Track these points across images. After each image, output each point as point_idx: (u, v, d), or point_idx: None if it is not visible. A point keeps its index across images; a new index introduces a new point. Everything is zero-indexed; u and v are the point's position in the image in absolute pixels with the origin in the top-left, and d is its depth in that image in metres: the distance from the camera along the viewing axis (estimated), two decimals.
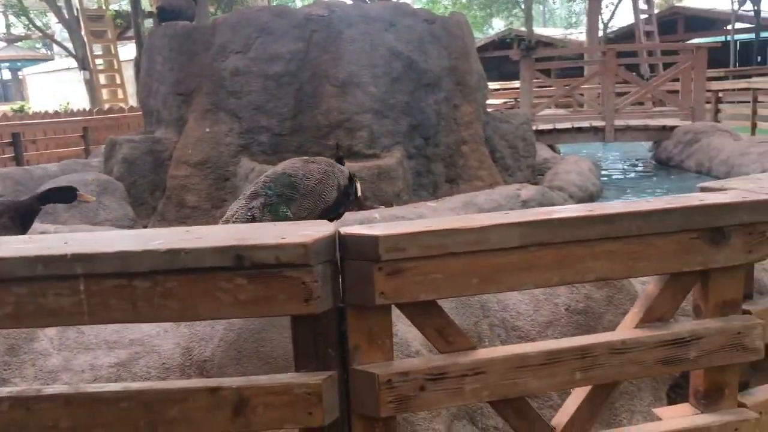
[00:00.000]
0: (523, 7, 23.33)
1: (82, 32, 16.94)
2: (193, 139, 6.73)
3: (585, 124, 11.00)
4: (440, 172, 7.27)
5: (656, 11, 19.22)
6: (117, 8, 19.77)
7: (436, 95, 7.15)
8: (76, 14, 17.17)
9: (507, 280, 1.57)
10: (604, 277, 1.69)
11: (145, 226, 6.59)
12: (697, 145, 9.32)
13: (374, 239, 1.47)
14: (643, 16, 18.34)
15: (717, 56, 15.31)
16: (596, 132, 10.80)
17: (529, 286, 1.59)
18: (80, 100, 18.00)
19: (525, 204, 6.22)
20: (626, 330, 1.73)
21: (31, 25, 22.27)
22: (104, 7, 18.48)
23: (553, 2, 42.30)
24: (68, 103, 16.47)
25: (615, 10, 22.16)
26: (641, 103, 14.07)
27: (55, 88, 26.17)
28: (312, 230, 1.50)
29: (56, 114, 14.37)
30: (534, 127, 10.49)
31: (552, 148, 10.46)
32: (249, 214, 2.96)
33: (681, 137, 9.81)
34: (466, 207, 5.71)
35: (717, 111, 12.59)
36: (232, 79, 6.68)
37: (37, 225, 4.56)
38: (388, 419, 1.58)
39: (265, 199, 2.91)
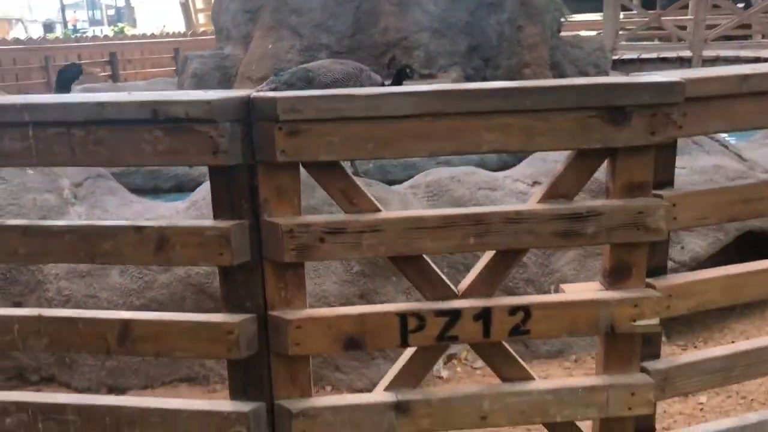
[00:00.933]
0: None
1: None
2: (256, 55, 6.99)
3: (671, 54, 10.49)
4: None
5: None
6: None
7: (498, 15, 7.04)
8: None
9: (402, 147, 1.71)
10: (499, 149, 1.78)
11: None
12: None
13: (273, 101, 1.64)
14: None
15: None
16: (682, 63, 10.29)
17: (423, 154, 1.72)
18: (182, 24, 18.72)
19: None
20: (527, 204, 1.83)
21: None
22: None
23: None
24: (164, 26, 17.18)
25: None
26: (749, 37, 13.17)
27: (161, 13, 27.30)
28: (224, 93, 1.69)
29: (152, 36, 15.07)
30: (616, 56, 10.12)
31: None
32: None
33: None
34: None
35: None
36: None
37: None
38: (295, 265, 1.78)
39: (275, 86, 3.11)
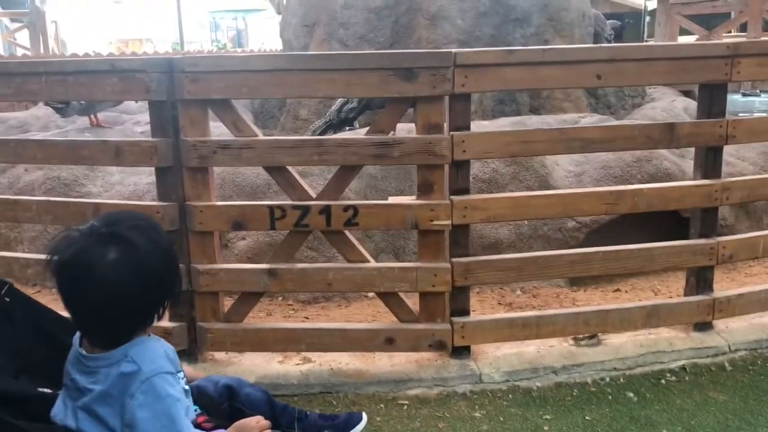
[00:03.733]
0: None
1: None
2: None
3: None
4: (524, 102, 7.91)
5: None
6: None
7: (523, 29, 7.76)
8: None
9: (266, 91, 2.61)
10: (329, 96, 2.64)
11: (271, 133, 8.11)
12: None
13: (182, 59, 2.60)
14: None
15: None
16: None
17: (279, 96, 2.61)
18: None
19: None
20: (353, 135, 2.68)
21: None
22: None
23: None
24: (263, 44, 18.80)
25: None
26: None
27: (270, 33, 29.55)
28: (155, 55, 2.66)
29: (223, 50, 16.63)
30: None
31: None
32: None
33: None
34: (513, 126, 6.39)
35: None
36: (342, 12, 7.88)
37: None
38: (201, 170, 2.71)
39: (330, 119, 4.29)
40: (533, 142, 2.71)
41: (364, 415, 1.77)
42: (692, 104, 7.48)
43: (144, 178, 4.07)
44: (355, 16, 7.91)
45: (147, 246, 1.30)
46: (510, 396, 2.76)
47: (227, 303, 2.93)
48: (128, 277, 1.27)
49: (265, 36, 30.17)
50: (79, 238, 1.31)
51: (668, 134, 2.79)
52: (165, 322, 2.86)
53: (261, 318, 3.57)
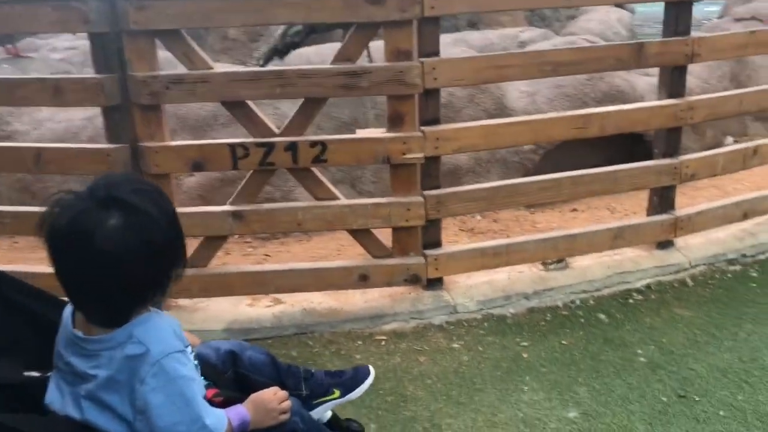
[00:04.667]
0: None
1: None
2: None
3: None
4: (462, 17, 7.74)
5: None
6: None
7: None
8: None
9: (220, 19, 2.39)
10: (289, 21, 2.45)
11: None
12: None
13: None
14: None
15: None
16: None
17: (236, 24, 2.40)
18: None
19: (522, 44, 6.64)
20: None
21: None
22: None
23: None
24: None
25: None
26: None
27: None
28: None
29: None
30: None
31: None
32: None
33: None
34: (456, 43, 6.25)
35: None
36: None
37: None
38: (154, 107, 2.49)
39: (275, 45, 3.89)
40: (505, 67, 2.61)
41: (371, 369, 1.71)
42: (625, 14, 7.49)
43: (78, 113, 3.76)
44: None
45: (151, 211, 1.16)
46: (485, 324, 2.77)
47: (190, 247, 2.78)
48: (131, 246, 1.13)
49: None
50: (75, 202, 1.15)
51: (637, 55, 2.74)
52: None
53: (219, 258, 3.43)
